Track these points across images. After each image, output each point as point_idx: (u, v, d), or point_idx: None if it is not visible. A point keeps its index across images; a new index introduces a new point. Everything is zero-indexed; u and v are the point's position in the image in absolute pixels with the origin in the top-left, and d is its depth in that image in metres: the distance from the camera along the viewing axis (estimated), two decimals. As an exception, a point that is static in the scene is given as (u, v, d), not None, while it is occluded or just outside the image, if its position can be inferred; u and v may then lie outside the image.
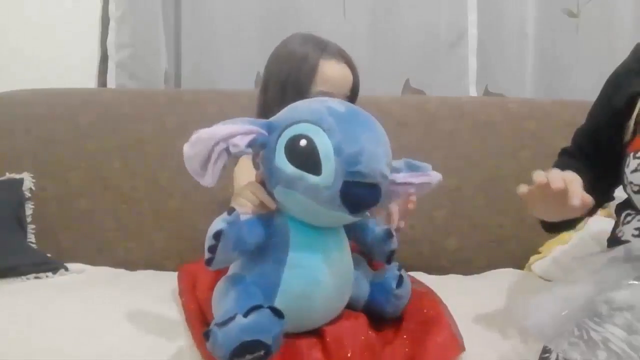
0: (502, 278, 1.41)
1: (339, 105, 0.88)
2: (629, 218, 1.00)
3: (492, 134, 1.58)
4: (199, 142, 0.84)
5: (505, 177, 1.55)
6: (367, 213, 0.93)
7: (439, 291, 1.08)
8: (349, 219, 0.87)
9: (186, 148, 0.85)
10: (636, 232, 0.97)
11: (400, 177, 0.92)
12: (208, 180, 0.86)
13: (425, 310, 0.99)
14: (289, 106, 0.91)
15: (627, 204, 1.03)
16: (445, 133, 1.58)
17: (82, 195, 1.51)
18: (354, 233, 0.99)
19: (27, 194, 1.48)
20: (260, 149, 0.87)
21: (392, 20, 1.80)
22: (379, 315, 0.99)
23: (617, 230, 1.02)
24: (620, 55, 1.81)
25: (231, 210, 0.84)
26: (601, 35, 1.84)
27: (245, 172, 1.09)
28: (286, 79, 1.17)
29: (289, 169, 0.83)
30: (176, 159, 1.51)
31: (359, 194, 0.83)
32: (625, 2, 1.84)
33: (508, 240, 1.52)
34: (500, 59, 1.83)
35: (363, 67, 1.77)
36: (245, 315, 0.78)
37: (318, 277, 0.88)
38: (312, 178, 0.82)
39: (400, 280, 0.98)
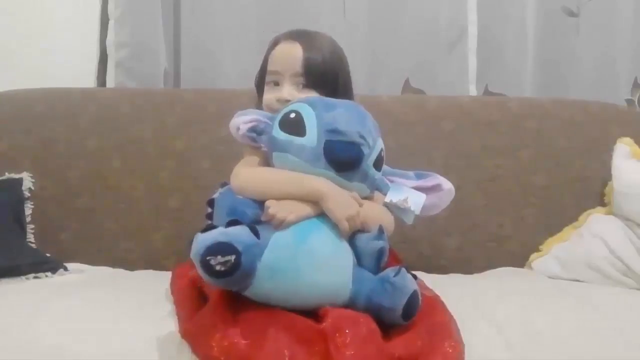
0: (504, 276, 1.42)
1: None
2: None
3: (492, 133, 1.58)
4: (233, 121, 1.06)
5: (506, 176, 1.55)
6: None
7: (441, 290, 1.08)
8: (337, 179, 0.98)
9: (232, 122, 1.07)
10: None
11: (411, 183, 1.04)
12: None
13: (432, 317, 0.98)
14: None
15: None
16: (446, 132, 1.57)
17: (81, 195, 1.51)
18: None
19: (27, 194, 1.48)
20: (260, 133, 1.04)
21: (391, 20, 1.79)
22: (378, 314, 0.96)
23: None
24: (620, 55, 1.83)
25: (224, 184, 1.06)
26: (601, 35, 1.84)
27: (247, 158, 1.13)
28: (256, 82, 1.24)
29: (281, 135, 1.01)
30: (176, 158, 1.53)
31: (339, 148, 0.97)
32: (626, 2, 1.84)
33: (508, 240, 1.52)
34: (500, 58, 1.82)
35: (363, 66, 1.79)
36: (226, 226, 0.90)
37: (302, 241, 0.94)
38: (298, 140, 0.99)
39: (398, 272, 0.96)
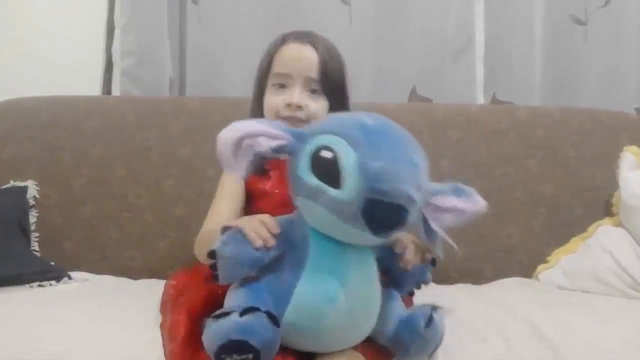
0: (513, 287, 1.41)
1: (370, 119, 0.85)
2: None
3: (500, 142, 1.57)
4: (232, 130, 0.84)
5: (514, 185, 1.54)
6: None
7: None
8: (372, 239, 0.82)
9: (222, 132, 0.85)
10: None
11: (448, 202, 0.88)
12: (235, 171, 0.86)
13: None
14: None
15: None
16: (453, 141, 1.57)
17: (85, 203, 1.50)
18: (381, 254, 0.92)
19: (31, 202, 1.47)
20: (287, 156, 0.86)
21: (398, 28, 1.79)
22: (403, 354, 0.93)
23: None
24: (629, 62, 1.82)
25: (225, 229, 0.86)
26: (609, 43, 1.83)
27: (226, 184, 1.09)
28: (255, 79, 1.15)
29: (310, 179, 0.81)
30: (181, 167, 1.53)
31: (382, 213, 0.78)
32: (634, 10, 1.83)
33: (516, 250, 1.50)
34: (508, 66, 1.81)
35: (370, 74, 1.79)
36: (241, 314, 0.79)
37: (333, 298, 0.84)
38: (332, 191, 0.79)
39: (430, 321, 0.90)
